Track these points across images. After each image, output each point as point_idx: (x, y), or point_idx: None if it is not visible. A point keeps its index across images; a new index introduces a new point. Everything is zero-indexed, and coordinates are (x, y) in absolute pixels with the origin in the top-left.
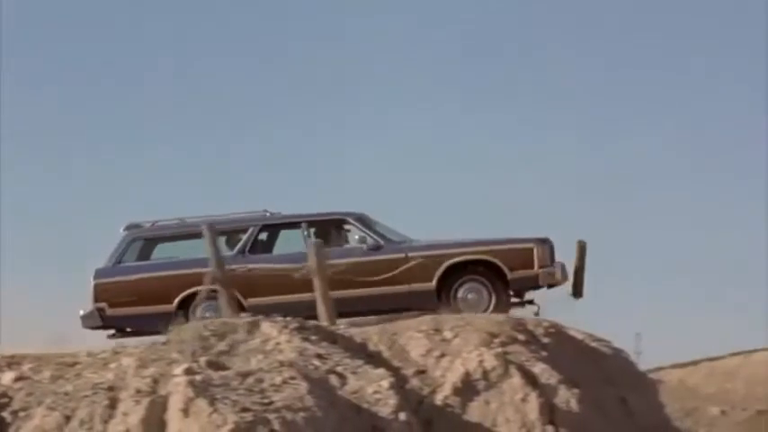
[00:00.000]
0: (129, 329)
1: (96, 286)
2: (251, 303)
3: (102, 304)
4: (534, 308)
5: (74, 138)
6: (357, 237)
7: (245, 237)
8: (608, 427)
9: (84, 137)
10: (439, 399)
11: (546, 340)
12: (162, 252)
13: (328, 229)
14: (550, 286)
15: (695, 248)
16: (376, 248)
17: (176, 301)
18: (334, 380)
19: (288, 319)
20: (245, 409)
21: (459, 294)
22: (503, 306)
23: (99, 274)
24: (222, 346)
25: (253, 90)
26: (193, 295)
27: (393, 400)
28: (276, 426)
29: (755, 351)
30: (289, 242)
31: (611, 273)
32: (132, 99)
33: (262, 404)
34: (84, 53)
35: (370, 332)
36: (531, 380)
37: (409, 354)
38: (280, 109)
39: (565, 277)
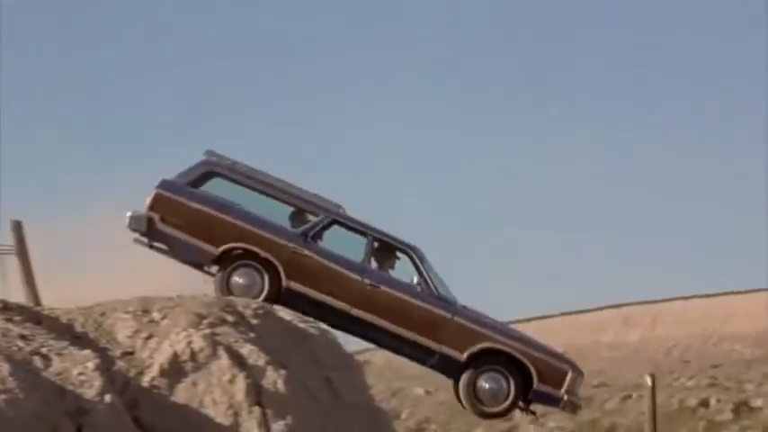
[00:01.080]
0: (164, 248)
1: (157, 195)
2: (291, 287)
3: (155, 215)
4: (531, 417)
5: None
6: (416, 279)
7: (313, 221)
8: (313, 408)
9: None
10: (146, 380)
11: (255, 321)
12: (228, 193)
13: (389, 251)
14: (564, 410)
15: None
16: (427, 295)
17: (222, 248)
18: (38, 361)
19: None
20: None
21: (481, 378)
22: (512, 405)
23: (164, 185)
24: None
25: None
26: (238, 250)
27: (98, 382)
28: None
29: None
30: (345, 244)
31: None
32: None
33: None
34: None
35: (76, 313)
36: (238, 361)
37: (116, 335)
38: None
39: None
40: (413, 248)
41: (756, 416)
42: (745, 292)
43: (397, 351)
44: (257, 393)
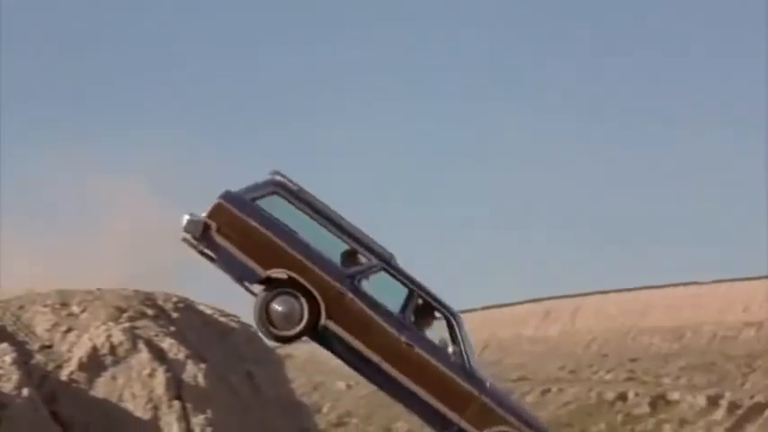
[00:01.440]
0: (211, 257)
1: (218, 205)
2: (328, 326)
3: (212, 223)
4: None
5: None
6: (452, 349)
7: (364, 265)
8: (234, 401)
9: None
10: (64, 374)
11: (175, 315)
12: (286, 215)
13: (430, 310)
14: None
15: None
16: (459, 367)
17: (270, 272)
18: None
19: None
20: None
21: None
22: None
23: (227, 197)
24: None
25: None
26: (285, 277)
27: (16, 376)
28: None
29: None
30: (388, 291)
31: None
32: None
33: None
34: None
35: None
36: (158, 355)
37: (35, 328)
38: None
39: None
40: (454, 315)
41: (673, 409)
42: (664, 286)
43: (415, 412)
44: (177, 387)
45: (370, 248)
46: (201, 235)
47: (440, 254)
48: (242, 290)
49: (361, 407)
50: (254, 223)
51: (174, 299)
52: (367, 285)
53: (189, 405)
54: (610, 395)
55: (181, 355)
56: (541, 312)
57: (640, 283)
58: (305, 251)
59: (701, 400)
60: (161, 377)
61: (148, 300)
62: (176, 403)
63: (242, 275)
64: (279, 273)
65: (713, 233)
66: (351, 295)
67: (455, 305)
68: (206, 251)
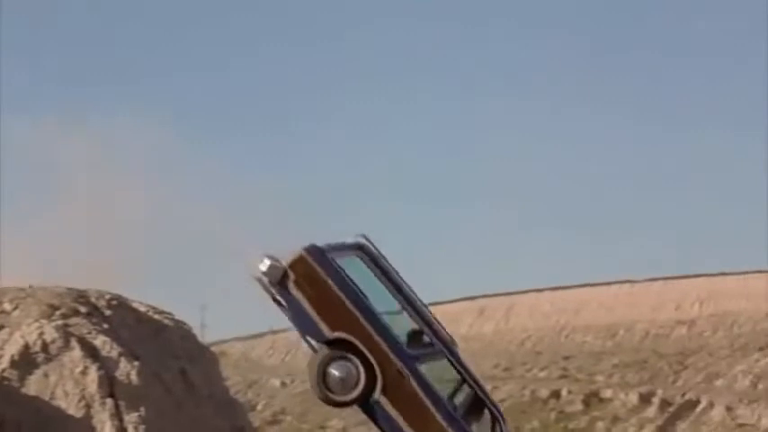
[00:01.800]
0: (282, 305)
1: (302, 257)
2: (380, 401)
3: (292, 274)
4: None
5: None
6: None
7: (427, 349)
8: (168, 399)
9: None
10: None
11: (108, 312)
12: (361, 278)
13: (480, 406)
14: None
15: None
16: None
17: (336, 335)
18: None
19: None
20: None
21: None
22: None
23: (312, 251)
24: None
25: None
26: (351, 343)
27: None
28: None
29: None
30: (441, 376)
31: (177, 248)
32: None
33: None
34: None
35: None
36: (91, 352)
37: None
38: None
39: None
40: (502, 418)
41: (606, 407)
42: (598, 284)
43: None
44: (110, 385)
45: (437, 332)
46: (278, 281)
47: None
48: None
49: (296, 404)
50: (331, 283)
51: (108, 296)
52: (425, 368)
53: (122, 403)
54: (543, 393)
55: (114, 353)
56: (476, 310)
57: (574, 282)
58: (375, 322)
59: (634, 398)
60: (94, 375)
61: (81, 297)
62: (109, 401)
63: (308, 331)
64: (344, 337)
65: (646, 232)
66: (410, 376)
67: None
68: (278, 297)
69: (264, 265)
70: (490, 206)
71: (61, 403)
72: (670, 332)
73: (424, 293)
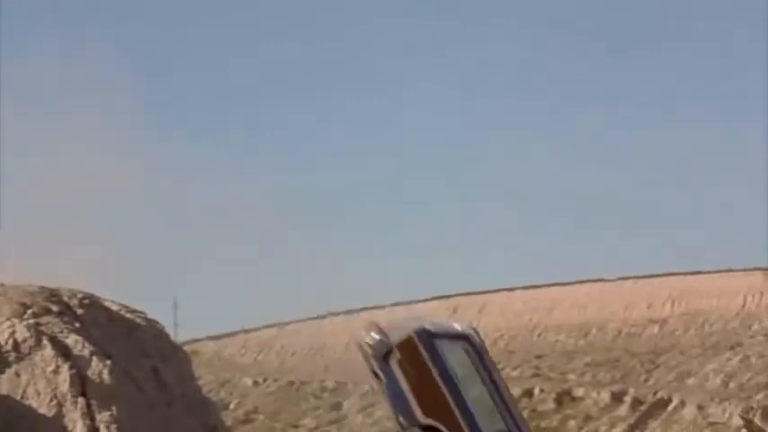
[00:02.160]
0: (380, 379)
1: (410, 339)
2: None
3: (398, 353)
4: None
5: None
6: None
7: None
8: (140, 398)
9: None
10: None
11: (80, 311)
12: (458, 364)
13: None
14: None
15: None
16: None
17: (429, 422)
18: None
19: None
20: None
21: None
22: None
23: (421, 335)
24: None
25: None
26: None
27: None
28: None
29: (289, 323)
30: None
31: (150, 245)
32: None
33: None
34: None
35: None
36: (63, 351)
37: None
38: None
39: None
40: None
41: (578, 405)
42: (570, 283)
43: None
44: (82, 384)
45: (520, 430)
46: (384, 358)
47: (346, 251)
48: None
49: (269, 403)
50: (434, 370)
51: (80, 295)
52: None
53: (94, 402)
54: (516, 391)
55: (86, 352)
56: (448, 309)
57: (547, 280)
58: (467, 417)
59: (606, 396)
60: (65, 374)
61: (53, 296)
62: (81, 400)
63: (401, 410)
64: (436, 425)
65: (618, 231)
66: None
67: (362, 302)
68: (377, 371)
69: (372, 339)
70: (462, 204)
71: (33, 402)
72: (642, 331)
73: (396, 292)
